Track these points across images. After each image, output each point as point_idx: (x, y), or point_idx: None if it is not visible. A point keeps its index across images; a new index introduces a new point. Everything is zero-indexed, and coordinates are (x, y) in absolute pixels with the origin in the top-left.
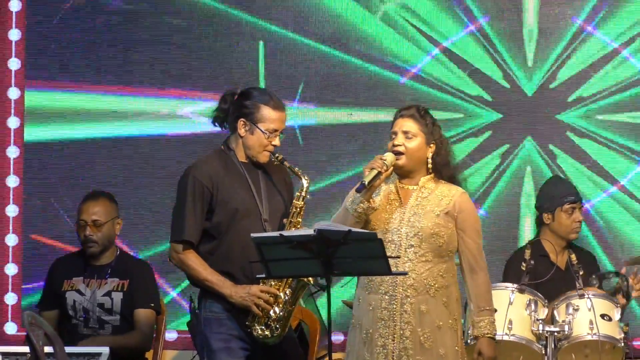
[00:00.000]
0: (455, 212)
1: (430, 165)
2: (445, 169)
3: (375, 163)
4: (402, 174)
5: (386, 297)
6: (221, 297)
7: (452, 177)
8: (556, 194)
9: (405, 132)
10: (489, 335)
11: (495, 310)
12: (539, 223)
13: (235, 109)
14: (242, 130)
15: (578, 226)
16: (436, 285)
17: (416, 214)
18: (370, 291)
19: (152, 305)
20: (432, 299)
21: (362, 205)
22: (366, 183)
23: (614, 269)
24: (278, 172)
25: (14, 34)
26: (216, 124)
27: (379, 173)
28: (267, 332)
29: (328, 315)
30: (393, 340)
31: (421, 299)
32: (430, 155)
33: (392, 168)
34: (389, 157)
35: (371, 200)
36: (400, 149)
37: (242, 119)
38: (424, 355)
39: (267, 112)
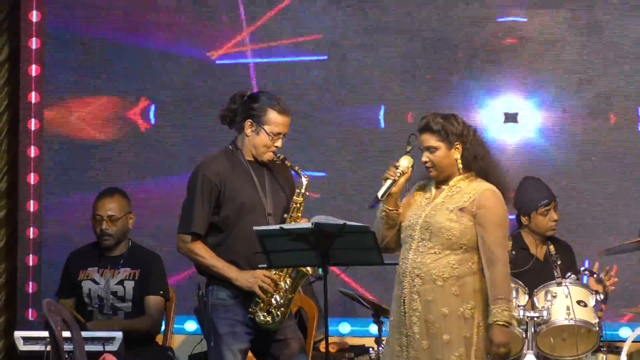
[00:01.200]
0: (474, 208)
1: (460, 165)
2: (474, 163)
3: (388, 173)
4: (441, 179)
5: (401, 286)
6: (227, 285)
7: (483, 170)
8: (530, 199)
9: (427, 148)
10: (499, 322)
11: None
12: (519, 222)
13: (244, 109)
14: (248, 130)
15: (554, 225)
16: (444, 276)
17: (434, 209)
18: (396, 283)
19: (161, 292)
20: (439, 289)
21: (382, 212)
22: (379, 196)
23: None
24: (281, 170)
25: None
26: (224, 122)
27: (393, 182)
28: (268, 319)
29: (325, 302)
30: (405, 326)
31: (428, 288)
32: (458, 155)
33: (410, 170)
34: (402, 162)
35: (398, 204)
36: (428, 164)
37: (249, 120)
38: (429, 340)
39: (273, 115)
